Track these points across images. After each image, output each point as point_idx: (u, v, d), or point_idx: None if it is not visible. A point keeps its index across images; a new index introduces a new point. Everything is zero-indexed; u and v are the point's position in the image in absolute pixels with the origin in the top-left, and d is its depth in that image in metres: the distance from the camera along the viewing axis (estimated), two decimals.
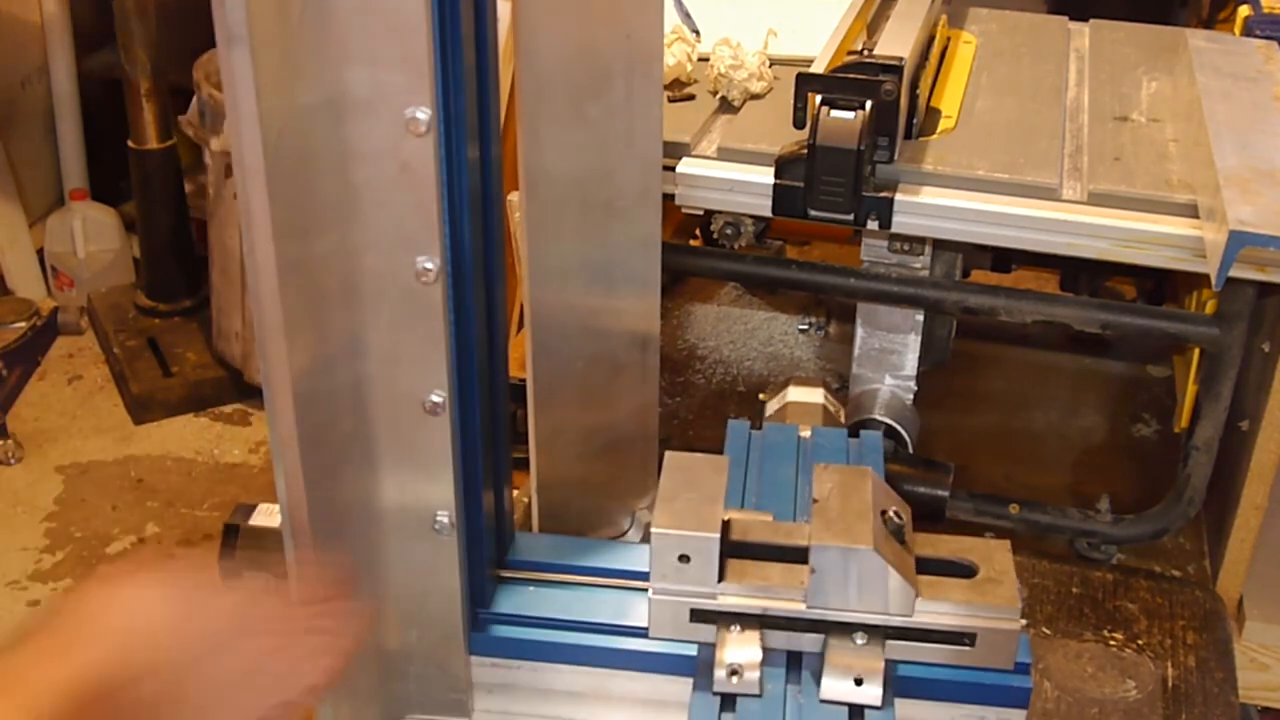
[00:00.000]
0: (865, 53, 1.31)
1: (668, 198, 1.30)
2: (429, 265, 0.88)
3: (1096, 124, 1.42)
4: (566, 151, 1.07)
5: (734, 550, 0.97)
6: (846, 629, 0.95)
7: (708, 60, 1.48)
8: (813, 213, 1.26)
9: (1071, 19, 1.70)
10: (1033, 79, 1.51)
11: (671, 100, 1.44)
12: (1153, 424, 1.69)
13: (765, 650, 0.96)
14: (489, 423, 1.01)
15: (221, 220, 2.87)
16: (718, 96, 1.46)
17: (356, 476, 0.96)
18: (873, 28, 1.45)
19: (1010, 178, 1.28)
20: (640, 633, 1.01)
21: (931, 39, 1.45)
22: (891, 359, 1.46)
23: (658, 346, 1.20)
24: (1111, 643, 1.29)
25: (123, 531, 2.70)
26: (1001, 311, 1.34)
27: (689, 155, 1.34)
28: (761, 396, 1.48)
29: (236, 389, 3.04)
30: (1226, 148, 1.23)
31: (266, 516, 1.20)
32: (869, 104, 1.22)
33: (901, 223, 1.27)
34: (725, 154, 1.34)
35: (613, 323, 1.17)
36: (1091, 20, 1.69)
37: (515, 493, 1.18)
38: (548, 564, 1.10)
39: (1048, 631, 1.30)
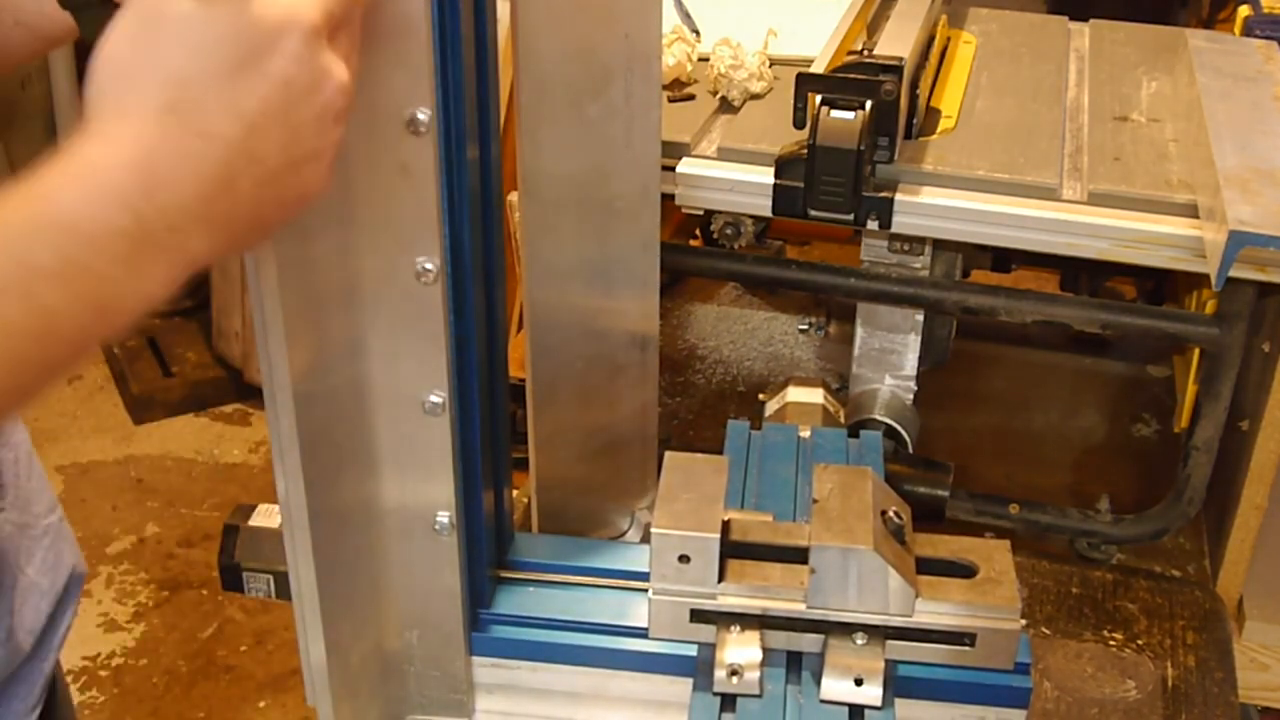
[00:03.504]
0: (865, 53, 1.31)
1: (668, 198, 1.30)
2: (429, 265, 0.88)
3: (1096, 124, 1.42)
4: (566, 152, 1.07)
5: (734, 550, 0.97)
6: (846, 629, 0.95)
7: (708, 60, 1.48)
8: (813, 213, 1.27)
9: (1071, 19, 1.70)
10: (1033, 79, 1.51)
11: (671, 100, 1.44)
12: (1153, 424, 1.69)
13: (765, 650, 0.96)
14: (489, 423, 1.01)
15: None
16: (718, 96, 1.46)
17: (356, 476, 0.96)
18: (873, 28, 1.45)
19: (1010, 178, 1.28)
20: (640, 633, 1.01)
21: (931, 39, 1.45)
22: (891, 359, 1.46)
23: (657, 347, 1.21)
24: (1111, 643, 1.29)
25: (123, 531, 2.71)
26: (1001, 311, 1.34)
27: (689, 155, 1.34)
28: (761, 396, 1.48)
29: (236, 389, 3.05)
30: (1226, 148, 1.23)
31: (266, 517, 1.20)
32: (869, 104, 1.22)
33: (901, 223, 1.27)
34: (725, 154, 1.34)
35: (612, 323, 1.17)
36: (1091, 20, 1.69)
37: (515, 493, 1.18)
38: (548, 564, 1.10)
39: (1048, 631, 1.30)
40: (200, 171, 0.61)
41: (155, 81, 0.61)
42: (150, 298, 0.62)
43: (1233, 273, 1.15)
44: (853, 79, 1.24)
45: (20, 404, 0.60)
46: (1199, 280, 1.37)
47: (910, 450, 1.44)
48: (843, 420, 1.41)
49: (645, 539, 1.17)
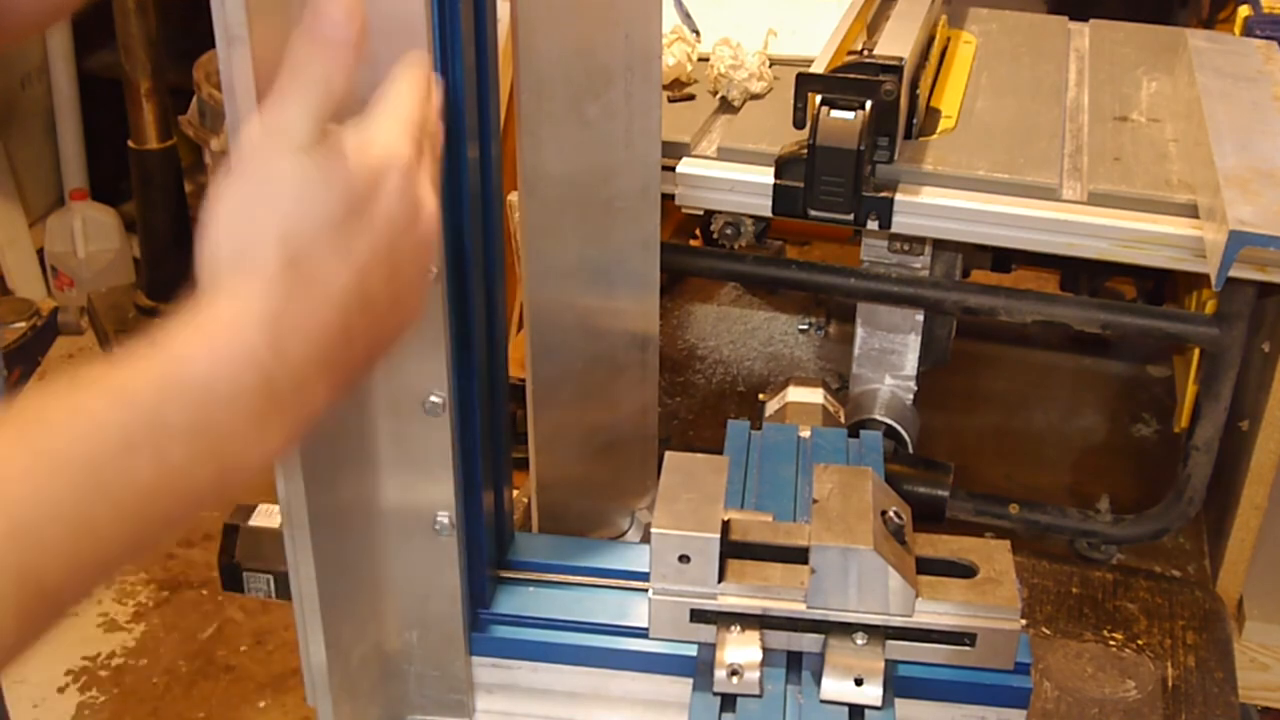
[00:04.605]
0: (865, 53, 1.31)
1: (668, 198, 1.30)
2: (429, 266, 0.88)
3: (1096, 124, 1.42)
4: (566, 151, 1.07)
5: (734, 550, 0.97)
6: (846, 629, 0.95)
7: (708, 60, 1.48)
8: (813, 213, 1.27)
9: (1071, 19, 1.70)
10: (1033, 79, 1.51)
11: (671, 100, 1.44)
12: (1153, 424, 1.69)
13: (765, 650, 0.96)
14: (489, 423, 1.01)
15: None
16: (718, 96, 1.46)
17: (356, 476, 0.96)
18: (873, 28, 1.45)
19: (1010, 178, 1.28)
20: (640, 633, 1.01)
21: (931, 39, 1.45)
22: (891, 359, 1.46)
23: (657, 346, 1.21)
24: (1111, 643, 1.29)
25: None
26: (1001, 311, 1.34)
27: (689, 155, 1.34)
28: (761, 396, 1.48)
29: None
30: (1226, 148, 1.23)
31: (266, 517, 1.20)
32: (869, 104, 1.22)
33: (901, 223, 1.27)
34: (725, 154, 1.34)
35: (612, 323, 1.17)
36: (1091, 20, 1.69)
37: (515, 493, 1.18)
38: (548, 564, 1.10)
39: (1048, 631, 1.30)
40: (324, 323, 0.62)
41: (273, 238, 0.62)
42: (272, 454, 0.62)
43: (1233, 273, 1.15)
44: (853, 79, 1.24)
45: (134, 560, 0.59)
46: (1199, 280, 1.36)
47: (910, 450, 1.44)
48: (843, 420, 1.41)
49: (645, 539, 1.17)
